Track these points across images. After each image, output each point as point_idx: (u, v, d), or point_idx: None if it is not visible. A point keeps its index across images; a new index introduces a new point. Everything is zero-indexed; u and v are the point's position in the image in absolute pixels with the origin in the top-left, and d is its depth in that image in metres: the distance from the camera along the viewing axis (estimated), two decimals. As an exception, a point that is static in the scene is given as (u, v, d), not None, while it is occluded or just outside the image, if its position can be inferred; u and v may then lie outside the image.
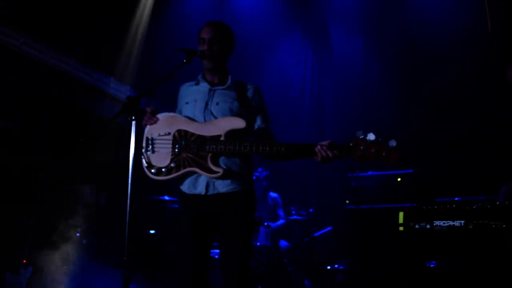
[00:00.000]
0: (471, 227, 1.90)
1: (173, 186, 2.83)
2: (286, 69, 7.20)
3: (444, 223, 2.01)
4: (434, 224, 2.05)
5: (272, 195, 6.04)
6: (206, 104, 2.70)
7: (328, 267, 5.09)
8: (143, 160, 2.68)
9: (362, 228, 4.68)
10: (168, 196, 5.42)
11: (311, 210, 5.69)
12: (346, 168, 5.34)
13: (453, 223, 1.97)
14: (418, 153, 6.03)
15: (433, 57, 5.97)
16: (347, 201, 4.85)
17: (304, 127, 6.90)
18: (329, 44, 6.94)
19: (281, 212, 5.95)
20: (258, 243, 5.40)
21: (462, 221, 1.94)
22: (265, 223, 5.43)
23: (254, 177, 5.88)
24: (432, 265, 4.30)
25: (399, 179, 4.69)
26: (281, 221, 5.78)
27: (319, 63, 7.08)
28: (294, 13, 7.11)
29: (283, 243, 5.74)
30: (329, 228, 5.94)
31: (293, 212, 5.69)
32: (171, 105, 2.92)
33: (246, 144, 2.49)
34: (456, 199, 4.54)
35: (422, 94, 6.11)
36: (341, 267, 5.03)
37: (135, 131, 2.27)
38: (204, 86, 2.78)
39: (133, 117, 2.24)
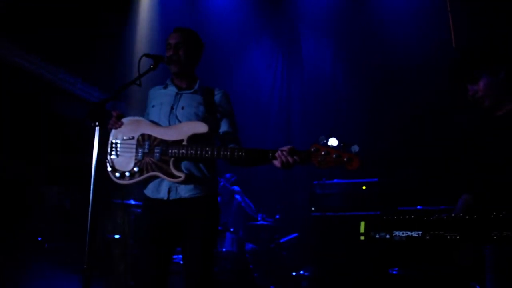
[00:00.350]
0: (428, 237, 1.95)
1: (140, 190, 2.82)
2: (256, 75, 7.24)
3: (403, 233, 2.04)
4: (394, 234, 2.08)
5: (237, 197, 6.05)
6: (172, 108, 2.72)
7: (293, 273, 5.12)
8: (107, 164, 2.68)
9: (327, 235, 4.73)
10: (134, 200, 5.34)
11: (277, 216, 5.73)
12: (313, 175, 5.40)
13: (411, 234, 2.01)
14: (384, 161, 6.17)
15: (400, 68, 6.11)
16: (312, 208, 4.90)
17: (272, 133, 6.95)
18: (299, 51, 7.02)
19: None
20: (223, 249, 5.39)
21: (420, 232, 1.98)
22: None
23: (222, 183, 5.92)
24: (394, 272, 4.41)
25: (364, 187, 4.77)
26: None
27: (288, 70, 7.15)
28: (265, 20, 7.16)
29: (249, 246, 5.76)
30: (295, 234, 5.99)
31: (260, 217, 5.72)
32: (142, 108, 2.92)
33: (207, 149, 2.50)
34: (418, 207, 4.67)
35: (389, 103, 6.25)
36: (306, 274, 5.07)
37: (99, 136, 2.25)
38: (171, 90, 2.80)
39: (97, 123, 2.22)
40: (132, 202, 5.32)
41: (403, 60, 6.05)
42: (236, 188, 6.06)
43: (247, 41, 7.27)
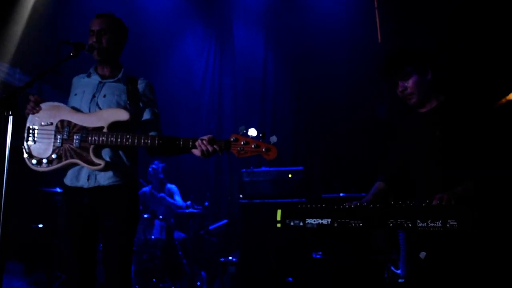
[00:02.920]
0: (336, 225, 2.09)
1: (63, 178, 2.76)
2: (188, 63, 7.18)
3: (314, 221, 2.18)
4: (306, 222, 2.22)
5: (168, 186, 6.05)
6: (93, 96, 2.68)
7: (222, 259, 5.21)
8: (24, 151, 2.60)
9: (254, 221, 4.85)
10: (60, 188, 5.18)
11: (206, 203, 5.78)
12: (241, 163, 5.50)
13: (321, 221, 2.15)
14: (310, 150, 6.40)
15: (328, 60, 6.33)
16: (240, 196, 5.00)
17: (204, 122, 6.96)
18: (232, 40, 7.04)
19: (178, 198, 5.96)
20: (152, 236, 5.38)
21: (329, 220, 2.12)
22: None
23: (152, 171, 5.87)
24: (318, 256, 4.63)
25: (290, 175, 4.91)
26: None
27: (221, 58, 7.15)
28: (198, 7, 7.12)
29: (179, 234, 5.78)
30: (225, 221, 6.08)
31: (189, 205, 5.74)
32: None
33: (128, 136, 2.49)
34: (341, 194, 4.90)
35: (317, 93, 6.47)
36: (234, 259, 5.18)
37: (13, 125, 2.17)
38: (94, 78, 2.76)
39: (10, 112, 2.15)
40: (58, 190, 5.17)
41: (331, 52, 6.27)
42: (171, 187, 6.06)
43: (180, 28, 7.19)
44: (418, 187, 2.46)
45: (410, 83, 2.43)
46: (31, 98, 2.65)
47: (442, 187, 2.17)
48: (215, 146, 2.44)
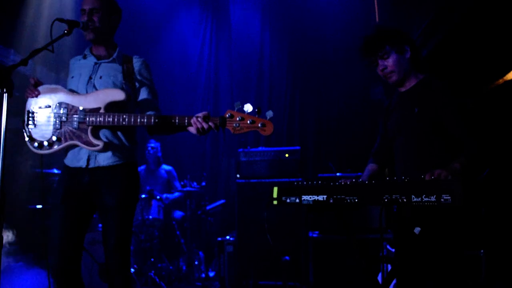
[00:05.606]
0: (331, 201, 2.12)
1: (62, 158, 2.78)
2: (184, 42, 7.14)
3: (310, 197, 2.20)
4: (302, 198, 2.24)
5: (166, 168, 6.06)
6: (90, 78, 2.69)
7: (219, 239, 5.25)
8: (25, 134, 2.63)
9: (251, 201, 4.87)
10: (57, 169, 5.19)
11: (203, 183, 5.80)
12: (238, 143, 5.51)
13: (317, 198, 2.17)
14: (305, 130, 6.40)
15: (325, 39, 6.31)
16: (237, 175, 5.01)
17: (200, 101, 6.95)
18: (228, 18, 6.98)
19: (177, 184, 6.00)
20: (150, 216, 5.41)
21: (325, 196, 2.15)
22: (158, 196, 5.45)
23: (151, 150, 5.87)
24: (315, 235, 4.67)
25: (286, 155, 4.92)
26: (177, 194, 5.84)
27: (217, 37, 7.11)
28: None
29: (177, 213, 5.82)
30: (222, 201, 6.11)
31: (186, 183, 5.77)
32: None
33: (125, 116, 2.50)
34: (337, 174, 4.93)
35: (313, 71, 6.45)
36: (231, 239, 5.22)
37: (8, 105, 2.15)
38: (90, 60, 2.76)
39: (4, 90, 2.13)
40: (55, 171, 5.17)
41: (328, 31, 6.24)
42: (170, 169, 6.06)
43: (175, 7, 7.12)
44: (398, 164, 2.51)
45: (390, 61, 2.48)
46: (31, 80, 2.66)
47: (419, 165, 2.21)
48: (210, 123, 2.44)
